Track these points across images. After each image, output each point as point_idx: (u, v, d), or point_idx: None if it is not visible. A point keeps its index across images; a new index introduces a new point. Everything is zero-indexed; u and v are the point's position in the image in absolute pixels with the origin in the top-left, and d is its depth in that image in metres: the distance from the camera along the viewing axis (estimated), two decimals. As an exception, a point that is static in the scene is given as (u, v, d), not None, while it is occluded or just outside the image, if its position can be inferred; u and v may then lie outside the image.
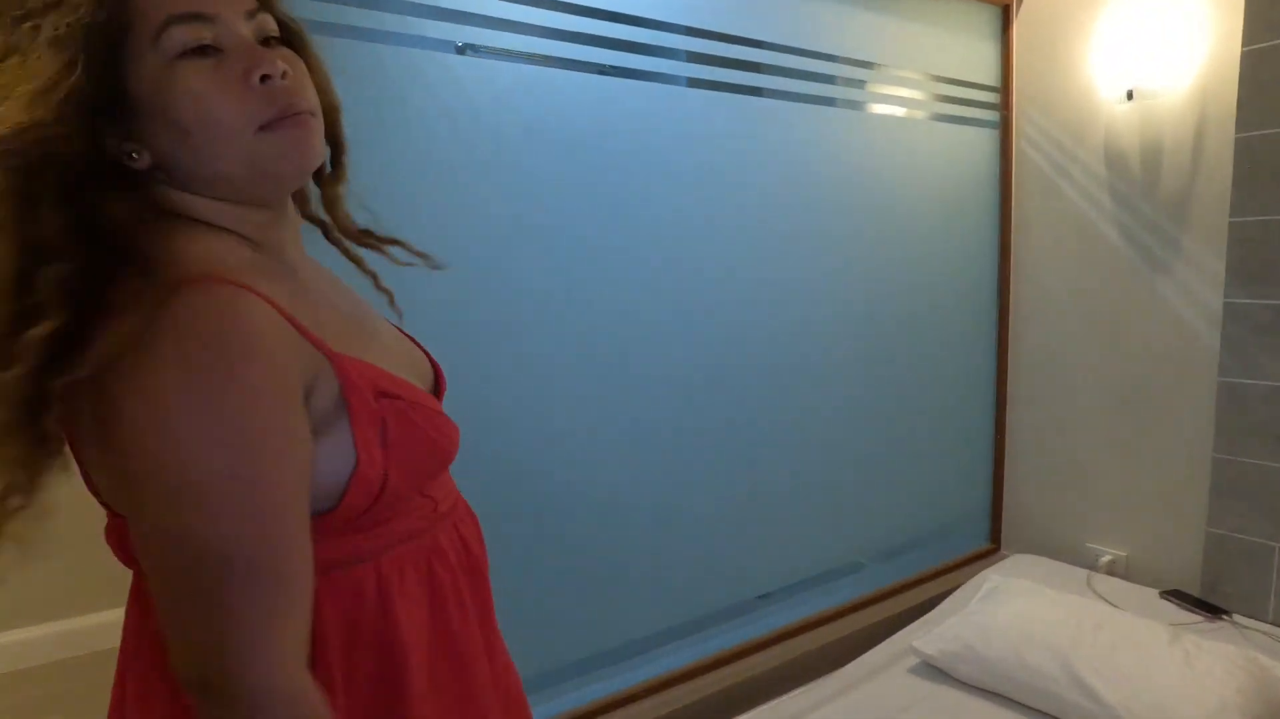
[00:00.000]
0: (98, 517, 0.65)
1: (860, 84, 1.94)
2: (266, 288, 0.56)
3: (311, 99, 0.62)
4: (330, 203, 0.73)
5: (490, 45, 1.33)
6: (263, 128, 0.58)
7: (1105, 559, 2.07)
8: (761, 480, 1.79)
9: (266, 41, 0.61)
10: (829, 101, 1.87)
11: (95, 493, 0.63)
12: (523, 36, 1.37)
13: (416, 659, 0.63)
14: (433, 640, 0.65)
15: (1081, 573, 1.99)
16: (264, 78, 0.58)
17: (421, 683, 0.63)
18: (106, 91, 0.55)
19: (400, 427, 0.62)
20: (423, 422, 0.64)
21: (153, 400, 0.51)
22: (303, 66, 0.63)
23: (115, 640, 0.68)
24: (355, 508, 0.59)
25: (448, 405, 0.74)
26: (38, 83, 0.51)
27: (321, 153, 0.65)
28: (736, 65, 1.68)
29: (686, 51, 1.60)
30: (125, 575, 0.67)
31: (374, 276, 0.81)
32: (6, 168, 0.51)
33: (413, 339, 0.77)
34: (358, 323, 0.68)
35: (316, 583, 0.56)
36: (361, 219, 0.78)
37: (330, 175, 0.72)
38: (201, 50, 0.57)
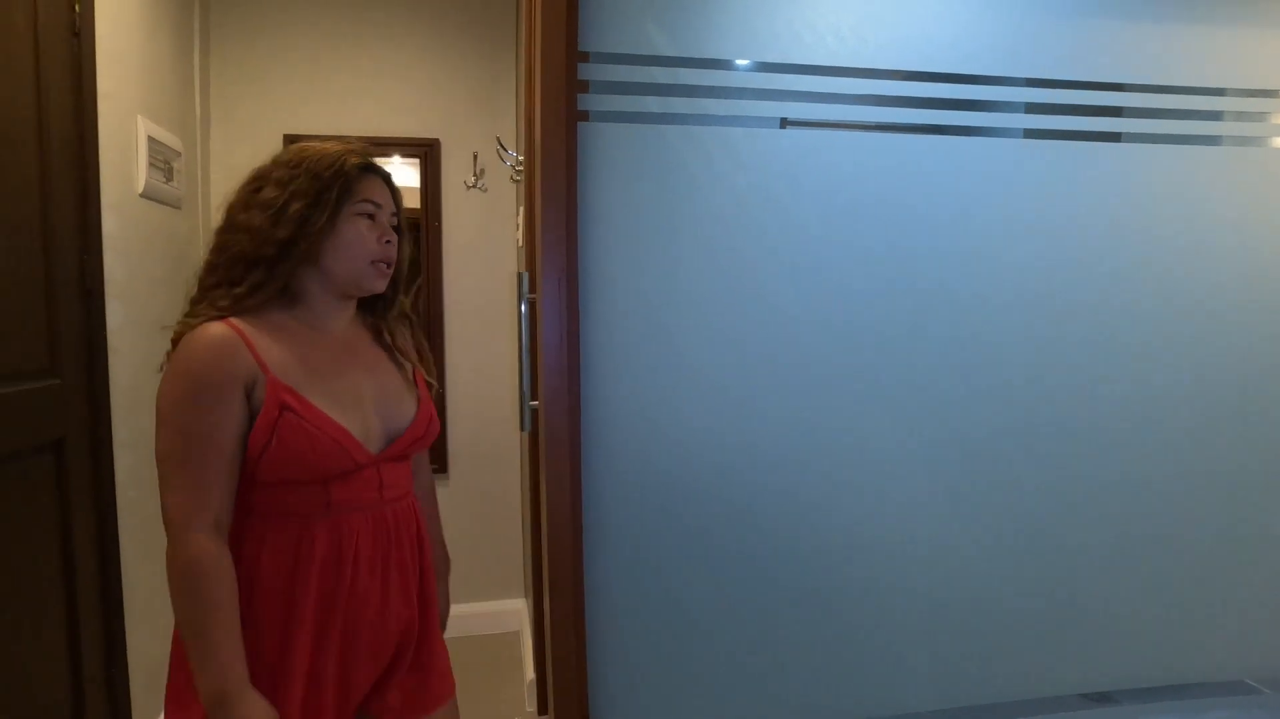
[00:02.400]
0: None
1: (1261, 117, 1.67)
2: (255, 328, 1.05)
3: (393, 257, 1.16)
4: (387, 310, 1.23)
5: (811, 119, 1.44)
6: (373, 262, 1.12)
7: None
8: (1087, 557, 1.60)
9: (394, 223, 1.17)
10: (1213, 141, 1.64)
11: None
12: (846, 106, 1.46)
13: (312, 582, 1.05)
14: (329, 583, 1.06)
15: None
16: (386, 240, 1.14)
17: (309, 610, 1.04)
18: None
19: (286, 427, 1.01)
20: (306, 431, 1.02)
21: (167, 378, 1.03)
22: (402, 242, 1.19)
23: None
24: (250, 460, 1.02)
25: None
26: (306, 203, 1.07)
27: (383, 287, 1.16)
28: (1087, 111, 1.57)
29: (1025, 103, 1.55)
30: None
31: (392, 342, 1.24)
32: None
33: (425, 399, 1.21)
34: (324, 371, 1.09)
35: (261, 522, 1.04)
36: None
37: (387, 298, 1.22)
38: (369, 215, 1.12)
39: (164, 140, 2.19)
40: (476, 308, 2.83)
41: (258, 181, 1.09)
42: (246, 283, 1.05)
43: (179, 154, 2.30)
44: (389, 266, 1.15)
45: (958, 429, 1.54)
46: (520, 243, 2.34)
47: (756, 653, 1.50)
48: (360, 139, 2.32)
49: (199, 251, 2.53)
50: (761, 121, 1.43)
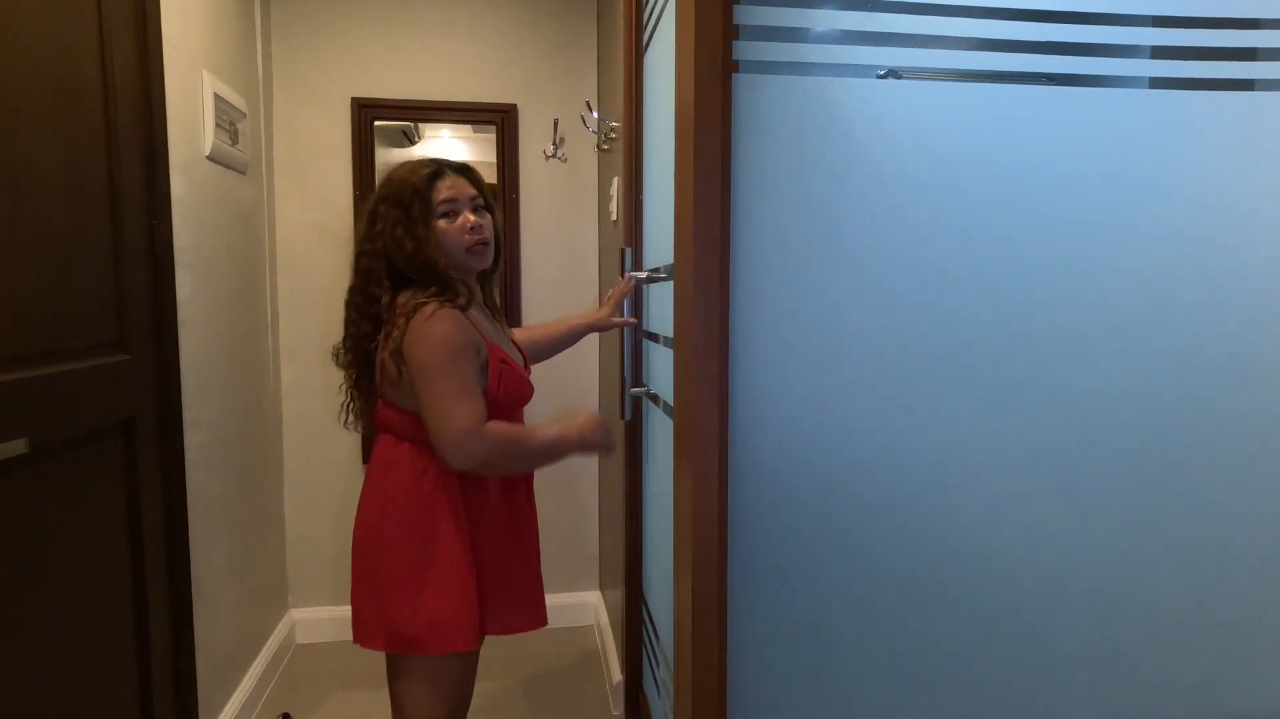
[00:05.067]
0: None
1: None
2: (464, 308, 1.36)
3: (489, 234, 1.41)
4: (486, 281, 1.51)
5: (915, 67, 1.23)
6: (467, 250, 1.38)
7: None
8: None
9: (476, 205, 1.41)
10: None
11: (379, 394, 1.44)
12: (951, 52, 1.24)
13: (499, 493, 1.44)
14: (504, 502, 1.45)
15: None
16: (470, 228, 1.38)
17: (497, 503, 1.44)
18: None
19: (505, 374, 1.38)
20: (513, 375, 1.40)
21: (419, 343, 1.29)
22: (490, 218, 1.43)
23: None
24: (489, 395, 1.35)
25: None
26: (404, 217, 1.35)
27: (489, 261, 1.44)
28: (1223, 56, 1.33)
29: (1151, 47, 1.32)
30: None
31: (495, 309, 1.55)
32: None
33: (517, 346, 1.58)
34: (497, 332, 1.47)
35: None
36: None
37: (489, 270, 1.49)
38: (449, 214, 1.37)
39: (230, 99, 2.04)
40: (555, 286, 2.66)
41: (367, 212, 1.39)
42: (430, 286, 1.34)
43: (244, 115, 2.16)
44: (484, 245, 1.41)
45: (1133, 424, 1.34)
46: (617, 215, 2.16)
47: (912, 671, 1.33)
48: (432, 104, 2.50)
49: (264, 221, 2.41)
50: (934, 73, 1.23)
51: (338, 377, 2.94)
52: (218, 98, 1.94)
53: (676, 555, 1.34)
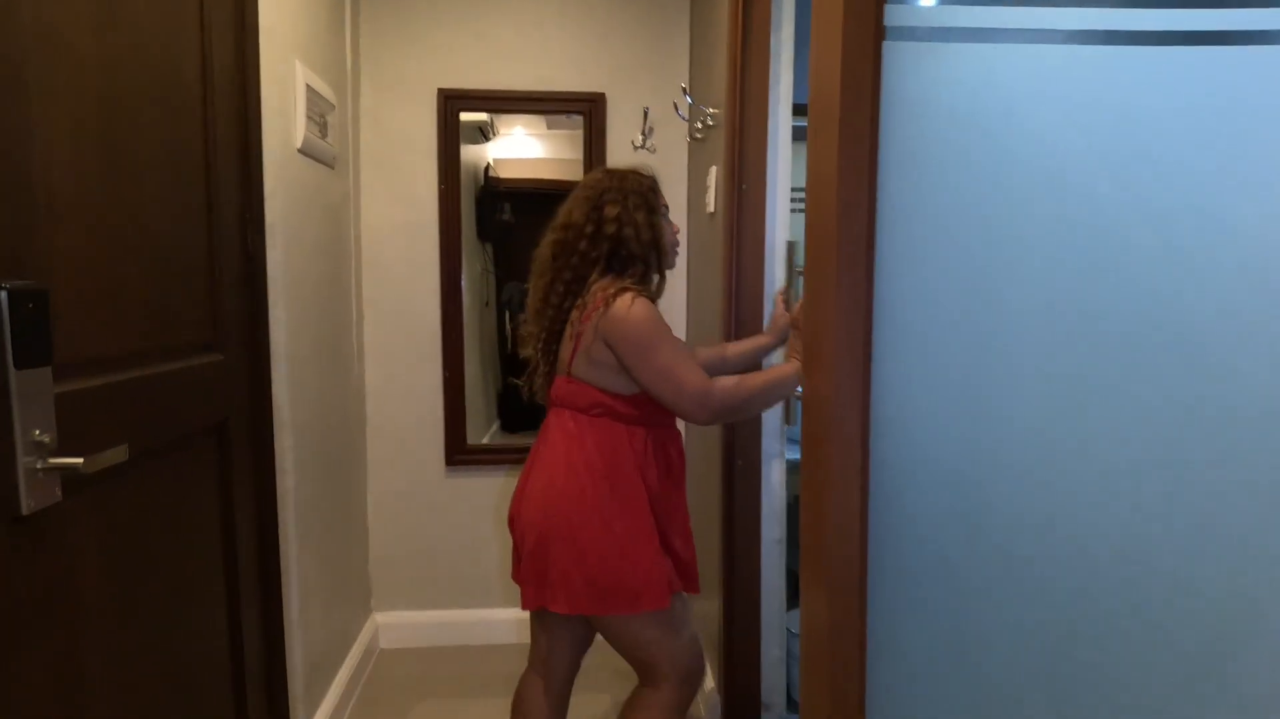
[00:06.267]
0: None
1: None
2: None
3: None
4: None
5: (1107, 29, 1.07)
6: (674, 249, 1.60)
7: None
8: None
9: None
10: None
11: (564, 370, 1.52)
12: (1158, 11, 1.07)
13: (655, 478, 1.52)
14: (667, 468, 1.54)
15: None
16: (676, 231, 1.62)
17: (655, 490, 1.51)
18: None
19: None
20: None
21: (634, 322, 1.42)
22: None
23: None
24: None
25: None
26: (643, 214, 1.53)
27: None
28: None
29: None
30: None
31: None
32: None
33: None
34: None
35: (640, 427, 1.50)
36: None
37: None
38: (666, 217, 1.59)
39: (320, 90, 1.99)
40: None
41: (592, 200, 1.51)
42: (637, 273, 1.51)
43: (333, 106, 2.10)
44: (677, 248, 1.63)
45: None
46: (715, 207, 2.04)
47: (1082, 706, 1.18)
48: (519, 95, 2.48)
49: (350, 217, 2.36)
50: (1133, 36, 1.07)
51: (421, 375, 2.89)
52: (309, 89, 1.89)
53: (806, 574, 1.21)
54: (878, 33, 1.04)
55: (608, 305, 1.41)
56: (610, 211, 1.48)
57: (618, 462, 1.46)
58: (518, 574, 1.55)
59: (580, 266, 1.49)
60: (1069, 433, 1.13)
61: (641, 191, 1.52)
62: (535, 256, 1.57)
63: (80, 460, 0.94)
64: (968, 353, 1.14)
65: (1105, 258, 1.09)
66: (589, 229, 1.49)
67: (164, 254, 1.27)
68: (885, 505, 1.14)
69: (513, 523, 1.55)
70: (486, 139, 2.60)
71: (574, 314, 1.48)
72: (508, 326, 2.73)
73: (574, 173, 2.51)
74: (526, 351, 1.59)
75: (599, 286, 1.46)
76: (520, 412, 2.76)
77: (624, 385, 1.47)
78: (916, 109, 1.10)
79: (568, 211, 1.53)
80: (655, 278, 1.55)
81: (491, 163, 2.61)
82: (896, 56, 1.08)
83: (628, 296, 1.42)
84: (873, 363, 1.10)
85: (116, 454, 1.01)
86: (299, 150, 1.85)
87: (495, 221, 2.66)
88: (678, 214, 2.54)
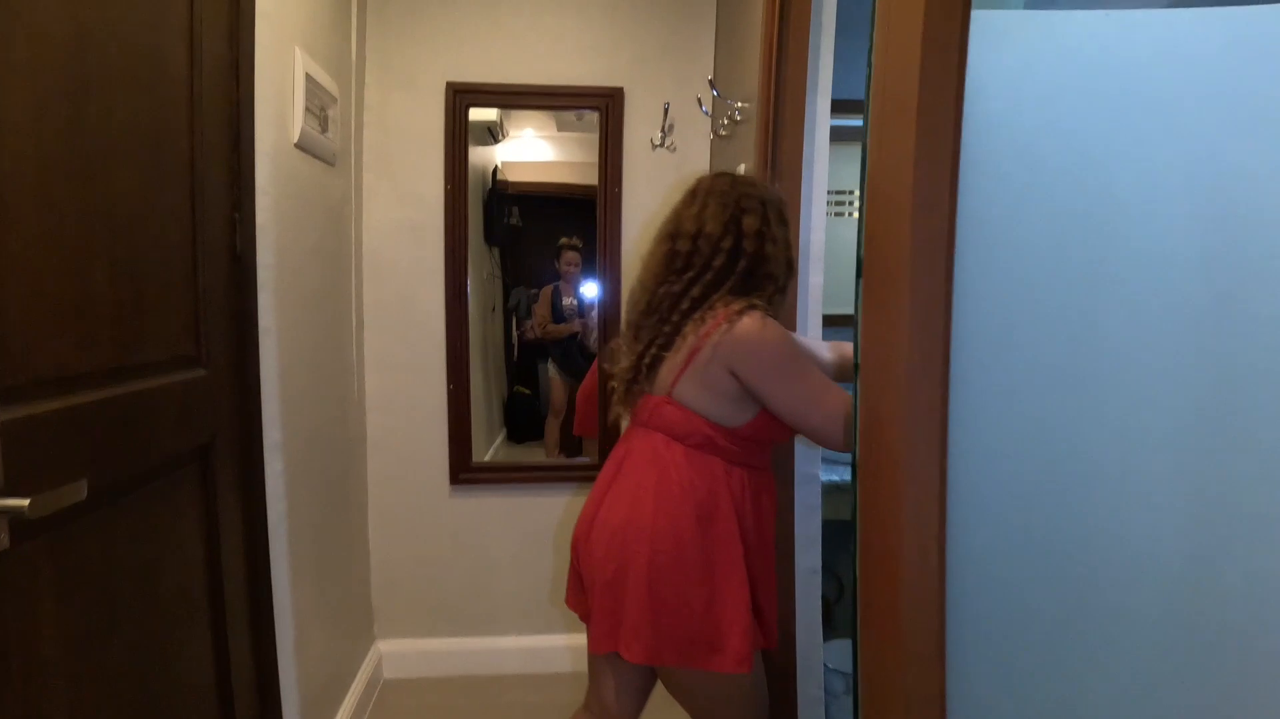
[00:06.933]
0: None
1: None
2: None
3: None
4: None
5: None
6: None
7: None
8: None
9: None
10: None
11: (664, 391, 1.33)
12: None
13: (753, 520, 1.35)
14: (760, 517, 1.36)
15: None
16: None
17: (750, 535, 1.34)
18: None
19: None
20: None
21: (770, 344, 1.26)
22: None
23: None
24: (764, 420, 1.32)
25: None
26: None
27: None
28: None
29: None
30: None
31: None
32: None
33: None
34: None
35: (740, 468, 1.34)
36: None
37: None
38: None
39: (322, 82, 1.84)
40: (658, 289, 2.40)
41: (728, 209, 1.33)
42: (767, 293, 1.33)
43: (335, 100, 1.95)
44: None
45: None
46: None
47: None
48: (532, 89, 2.28)
49: (351, 218, 2.22)
50: None
51: (424, 387, 2.68)
52: (309, 79, 1.74)
53: (869, 636, 1.05)
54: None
55: (731, 324, 1.24)
56: (750, 224, 1.31)
57: (715, 502, 1.30)
58: (578, 604, 1.42)
59: (711, 283, 1.31)
60: (1170, 477, 0.98)
61: (778, 204, 1.36)
62: (645, 264, 1.40)
63: (26, 503, 0.79)
64: (1051, 377, 0.98)
65: (1236, 275, 0.94)
66: (726, 243, 1.31)
67: (139, 257, 1.12)
68: (957, 551, 0.99)
69: (579, 548, 1.39)
70: (496, 140, 2.45)
71: (687, 330, 1.30)
72: (514, 333, 2.59)
73: (584, 176, 2.37)
74: (621, 365, 1.41)
75: (723, 304, 1.29)
76: (527, 421, 2.62)
77: (731, 417, 1.30)
78: (1000, 88, 0.95)
79: (695, 219, 1.34)
80: (780, 298, 1.39)
81: (500, 165, 2.46)
82: (980, 27, 0.93)
83: (756, 316, 1.25)
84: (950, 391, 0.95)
85: (72, 493, 0.86)
86: (296, 145, 1.70)
87: (503, 226, 2.52)
88: (699, 217, 2.39)
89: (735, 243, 1.31)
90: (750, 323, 1.24)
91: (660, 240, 1.39)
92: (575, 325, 2.47)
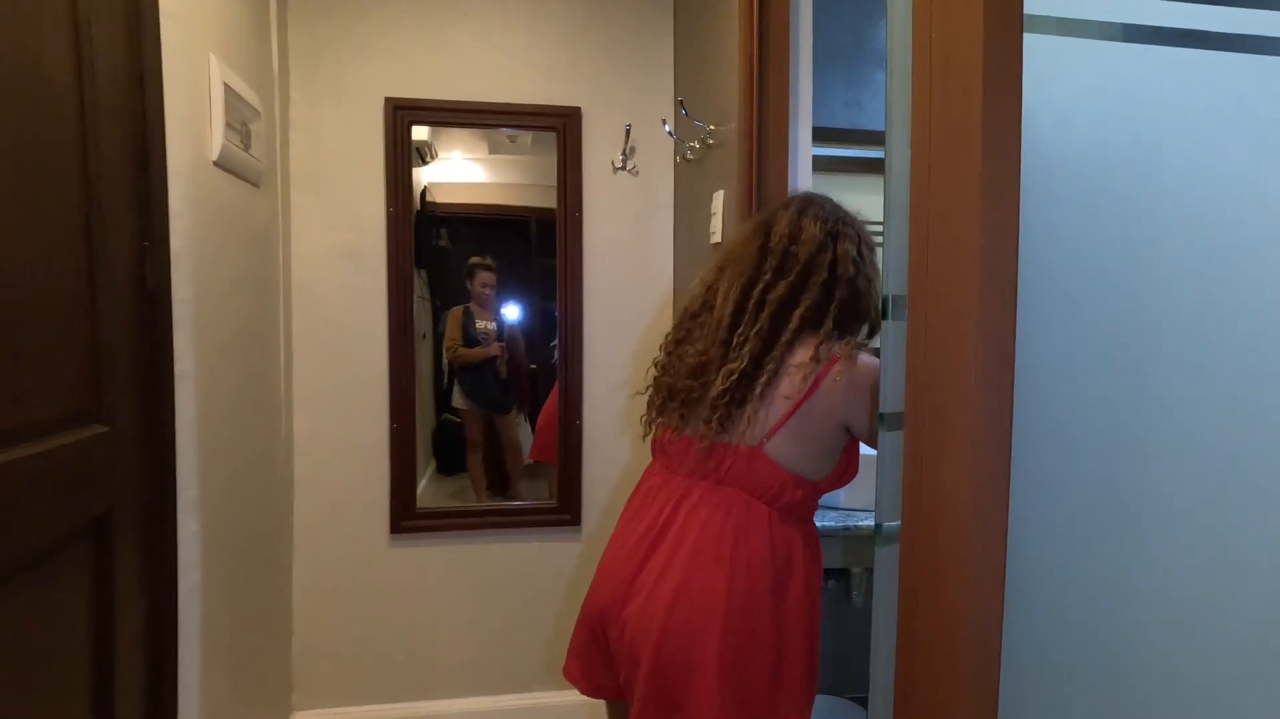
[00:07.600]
0: None
1: None
2: None
3: None
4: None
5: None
6: None
7: None
8: None
9: None
10: None
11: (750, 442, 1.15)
12: None
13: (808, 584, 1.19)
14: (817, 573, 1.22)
15: None
16: None
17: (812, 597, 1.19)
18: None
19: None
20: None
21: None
22: None
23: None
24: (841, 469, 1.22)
25: None
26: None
27: None
28: None
29: None
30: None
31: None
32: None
33: None
34: None
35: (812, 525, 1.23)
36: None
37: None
38: None
39: (242, 93, 1.64)
40: (624, 325, 2.25)
41: (827, 224, 1.18)
42: (862, 330, 1.21)
43: (258, 114, 1.75)
44: None
45: None
46: (721, 237, 1.75)
47: None
48: (482, 106, 2.11)
49: (279, 243, 2.01)
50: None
51: (362, 426, 2.50)
52: (228, 89, 1.54)
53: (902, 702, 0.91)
54: (1018, 21, 0.78)
55: (848, 365, 1.10)
56: (846, 249, 1.16)
57: (791, 568, 1.15)
58: (591, 680, 1.26)
59: (813, 307, 1.15)
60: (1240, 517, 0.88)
61: (871, 243, 1.21)
62: (726, 259, 1.24)
63: None
64: (1115, 402, 0.88)
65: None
66: (824, 258, 1.16)
67: (15, 298, 0.91)
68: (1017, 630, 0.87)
69: (610, 618, 1.19)
70: (425, 162, 2.28)
71: (789, 370, 1.13)
72: (445, 359, 2.39)
73: (517, 198, 2.22)
74: (717, 388, 1.16)
75: (829, 341, 1.13)
76: (459, 452, 2.40)
77: (817, 469, 1.17)
78: (1056, 119, 0.84)
79: (792, 222, 1.19)
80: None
81: (428, 186, 2.29)
82: (1033, 53, 0.82)
83: (870, 356, 1.12)
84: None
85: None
86: (215, 163, 1.50)
87: (431, 248, 2.33)
88: (661, 247, 2.26)
89: (832, 263, 1.16)
90: (869, 367, 1.11)
91: (748, 239, 1.22)
92: (493, 349, 2.27)
